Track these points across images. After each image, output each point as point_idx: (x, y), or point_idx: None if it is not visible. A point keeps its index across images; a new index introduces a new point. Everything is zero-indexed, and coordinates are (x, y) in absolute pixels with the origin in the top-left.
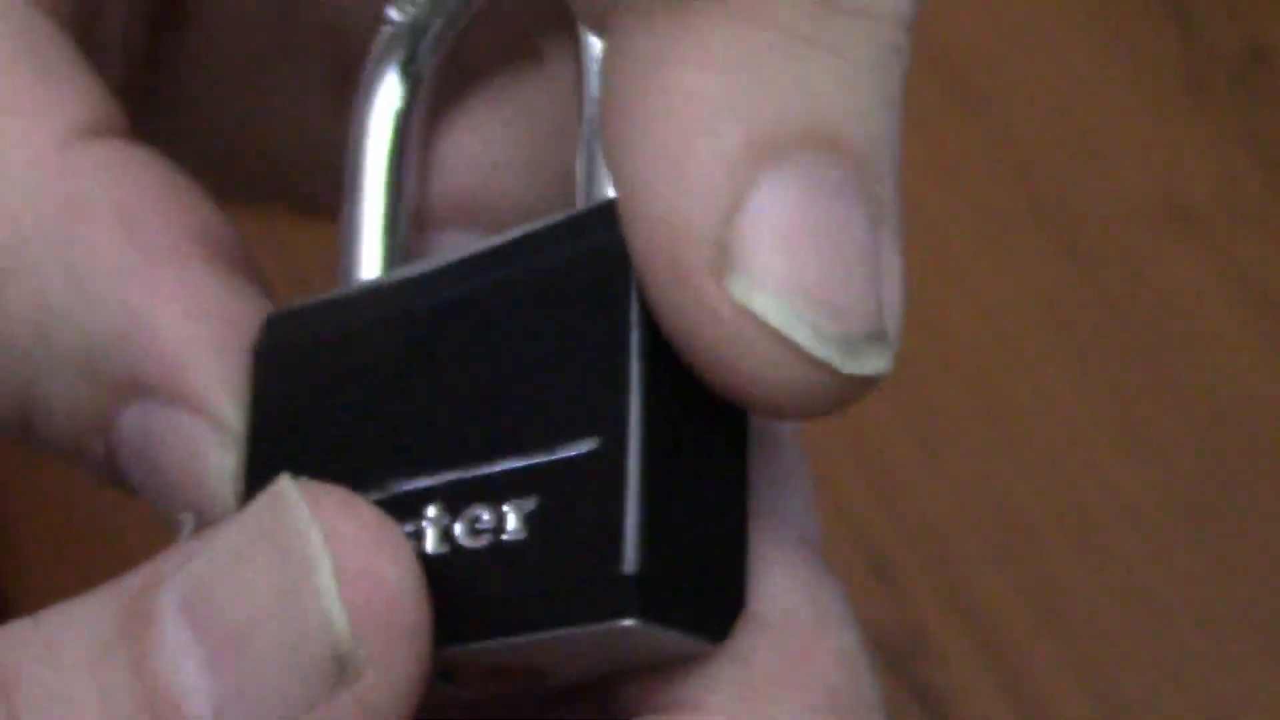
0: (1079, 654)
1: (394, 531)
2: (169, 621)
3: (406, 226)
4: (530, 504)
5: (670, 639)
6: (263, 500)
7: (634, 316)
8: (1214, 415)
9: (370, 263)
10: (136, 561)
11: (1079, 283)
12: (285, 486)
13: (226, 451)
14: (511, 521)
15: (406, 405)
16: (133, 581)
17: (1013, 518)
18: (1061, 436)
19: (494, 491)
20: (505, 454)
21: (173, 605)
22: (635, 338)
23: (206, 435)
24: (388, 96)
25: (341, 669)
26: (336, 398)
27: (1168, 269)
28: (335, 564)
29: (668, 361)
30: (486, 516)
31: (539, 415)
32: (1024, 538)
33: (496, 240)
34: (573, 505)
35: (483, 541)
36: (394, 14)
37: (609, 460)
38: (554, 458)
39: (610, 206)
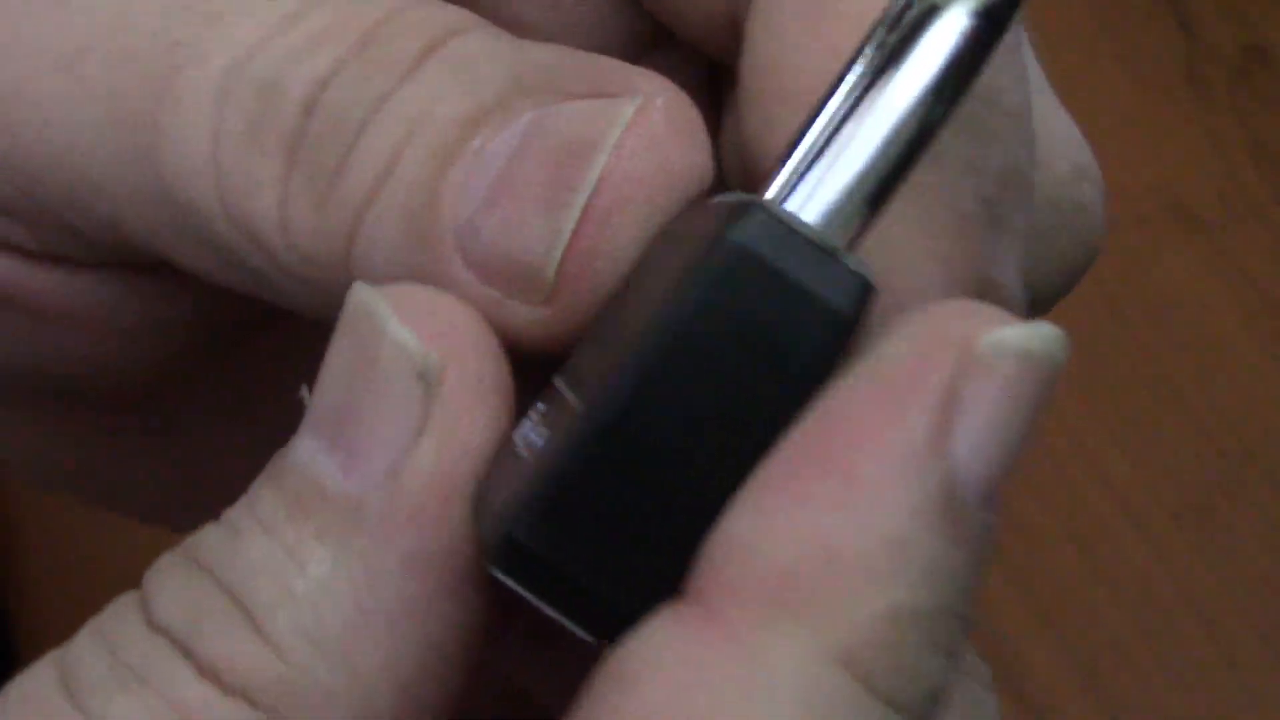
0: (1079, 654)
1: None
2: None
3: None
4: (544, 432)
5: (545, 607)
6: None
7: (680, 313)
8: (1214, 415)
9: None
10: (138, 577)
11: (1079, 282)
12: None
13: None
14: (533, 439)
15: None
16: None
17: (1013, 518)
18: (1061, 435)
19: (543, 411)
20: (571, 383)
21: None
22: (663, 338)
23: None
24: None
25: (426, 380)
26: None
27: (1168, 269)
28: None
29: (692, 371)
30: (530, 427)
31: (597, 356)
32: (1023, 537)
33: None
34: (545, 449)
35: (517, 444)
36: None
37: (571, 426)
38: (569, 400)
39: (745, 205)
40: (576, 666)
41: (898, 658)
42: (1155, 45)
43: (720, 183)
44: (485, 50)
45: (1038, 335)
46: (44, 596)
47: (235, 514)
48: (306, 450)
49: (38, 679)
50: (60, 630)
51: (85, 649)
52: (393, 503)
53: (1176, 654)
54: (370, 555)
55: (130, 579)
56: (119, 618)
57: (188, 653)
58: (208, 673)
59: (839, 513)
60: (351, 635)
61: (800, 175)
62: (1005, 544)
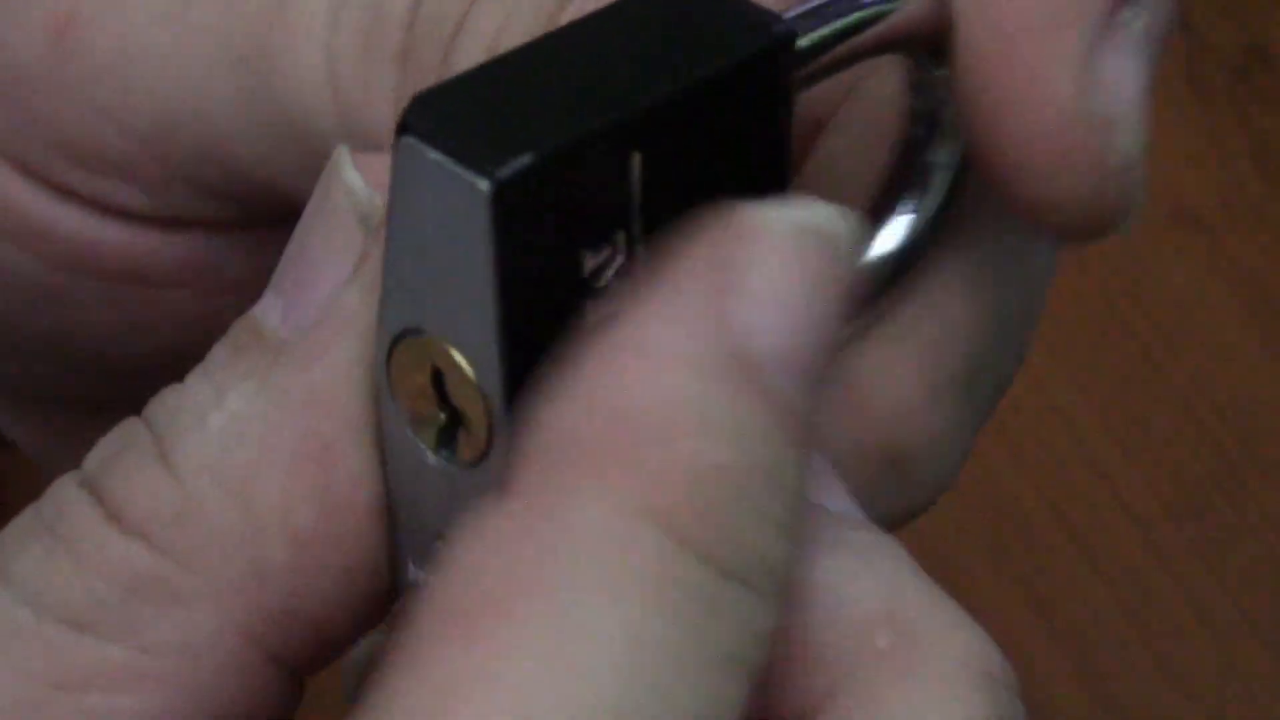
0: (1079, 654)
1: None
2: None
3: None
4: None
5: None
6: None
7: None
8: (1214, 415)
9: None
10: None
11: (1079, 282)
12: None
13: None
14: None
15: None
16: None
17: (1011, 516)
18: (1061, 436)
19: None
20: None
21: None
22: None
23: None
24: None
25: (366, 225)
26: None
27: (1168, 269)
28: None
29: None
30: None
31: None
32: (1023, 536)
33: None
34: None
35: None
36: None
37: None
38: None
39: None
40: None
41: (711, 515)
42: None
43: None
44: None
45: (811, 209)
46: None
47: (203, 362)
48: (261, 303)
49: None
50: None
51: (23, 516)
52: (310, 340)
53: (1176, 654)
54: (282, 390)
55: None
56: (54, 489)
57: (98, 496)
58: (113, 515)
59: (625, 377)
60: (252, 472)
61: None
62: (1005, 544)
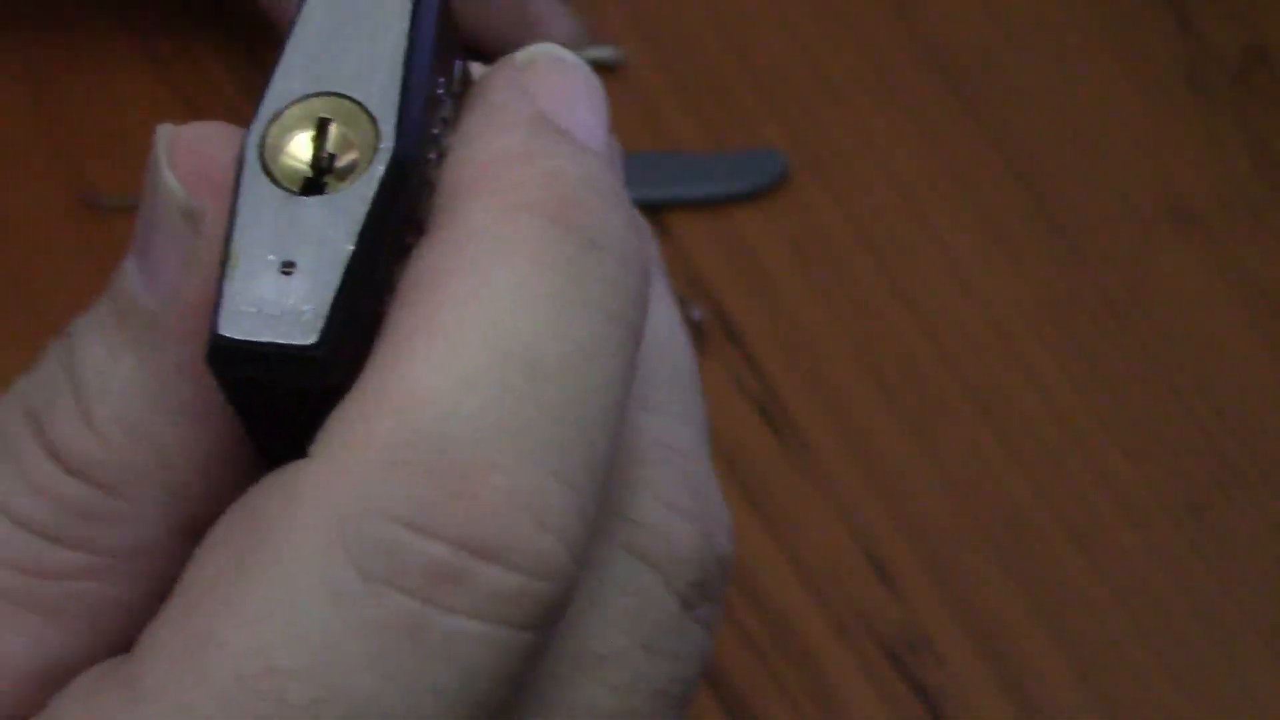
0: (1079, 654)
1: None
2: None
3: None
4: None
5: None
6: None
7: None
8: (1214, 415)
9: None
10: None
11: (1079, 283)
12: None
13: None
14: None
15: None
16: None
17: (1013, 518)
18: (1061, 436)
19: None
20: None
21: None
22: None
23: None
24: None
25: (190, 220)
26: None
27: (1168, 269)
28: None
29: None
30: None
31: None
32: (1024, 537)
33: None
34: None
35: None
36: None
37: None
38: None
39: None
40: None
41: (567, 200)
42: (1155, 45)
43: None
44: None
45: (548, 45)
46: None
47: (94, 307)
48: (129, 262)
49: None
50: None
51: None
52: (171, 319)
53: (1176, 654)
54: (160, 361)
55: None
56: (9, 397)
57: (39, 435)
58: (52, 454)
59: (485, 137)
60: (153, 422)
61: None
62: (1005, 544)
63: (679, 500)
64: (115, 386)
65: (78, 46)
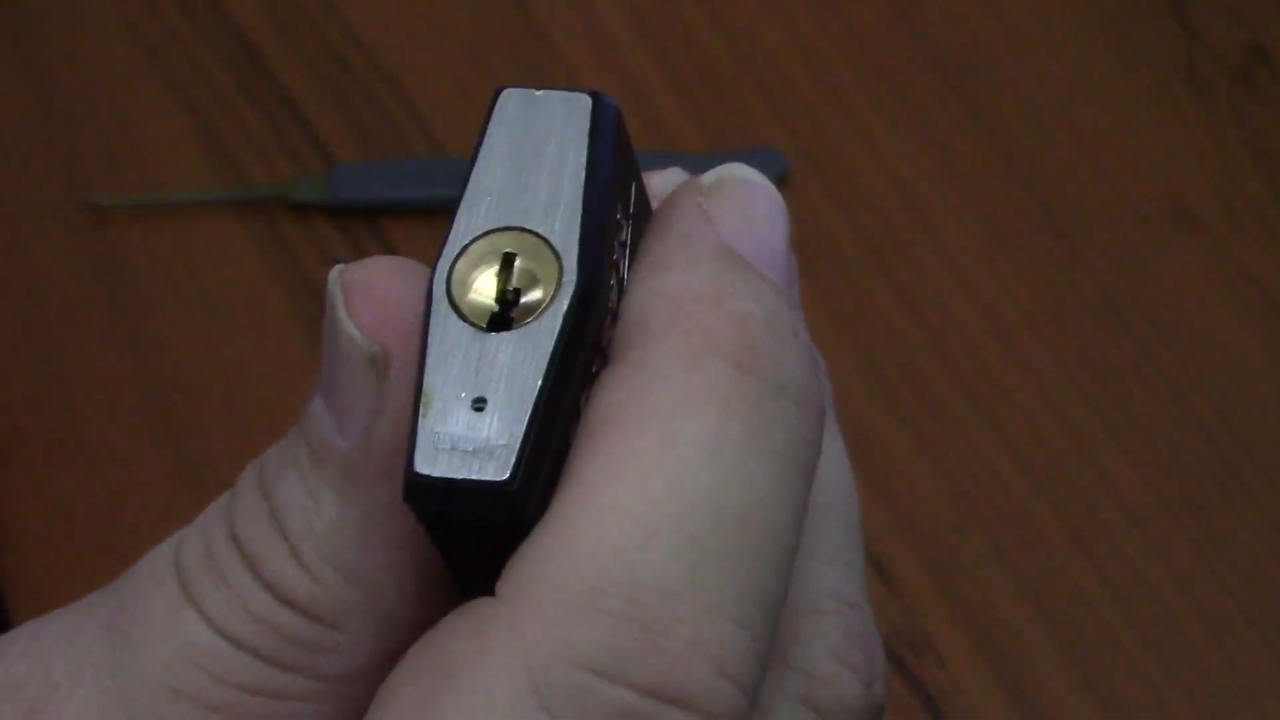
0: (1079, 653)
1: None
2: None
3: None
4: None
5: None
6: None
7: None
8: (1214, 415)
9: None
10: (135, 559)
11: (1079, 283)
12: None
13: None
14: None
15: None
16: None
17: (1012, 517)
18: (1061, 436)
19: None
20: None
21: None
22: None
23: None
24: None
25: (375, 366)
26: None
27: (1168, 269)
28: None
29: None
30: None
31: None
32: (1024, 537)
33: None
34: None
35: None
36: None
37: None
38: None
39: None
40: None
41: (754, 345)
42: (1155, 45)
43: None
44: None
45: (735, 166)
46: (41, 581)
47: (287, 442)
48: (317, 404)
49: (161, 556)
50: (50, 586)
51: (191, 541)
52: (368, 463)
53: (1176, 654)
54: (360, 502)
55: (127, 560)
56: (214, 519)
57: (252, 566)
58: (267, 585)
59: (673, 273)
60: (360, 559)
61: None
62: (1005, 543)
63: (848, 655)
64: (319, 527)
65: (78, 46)
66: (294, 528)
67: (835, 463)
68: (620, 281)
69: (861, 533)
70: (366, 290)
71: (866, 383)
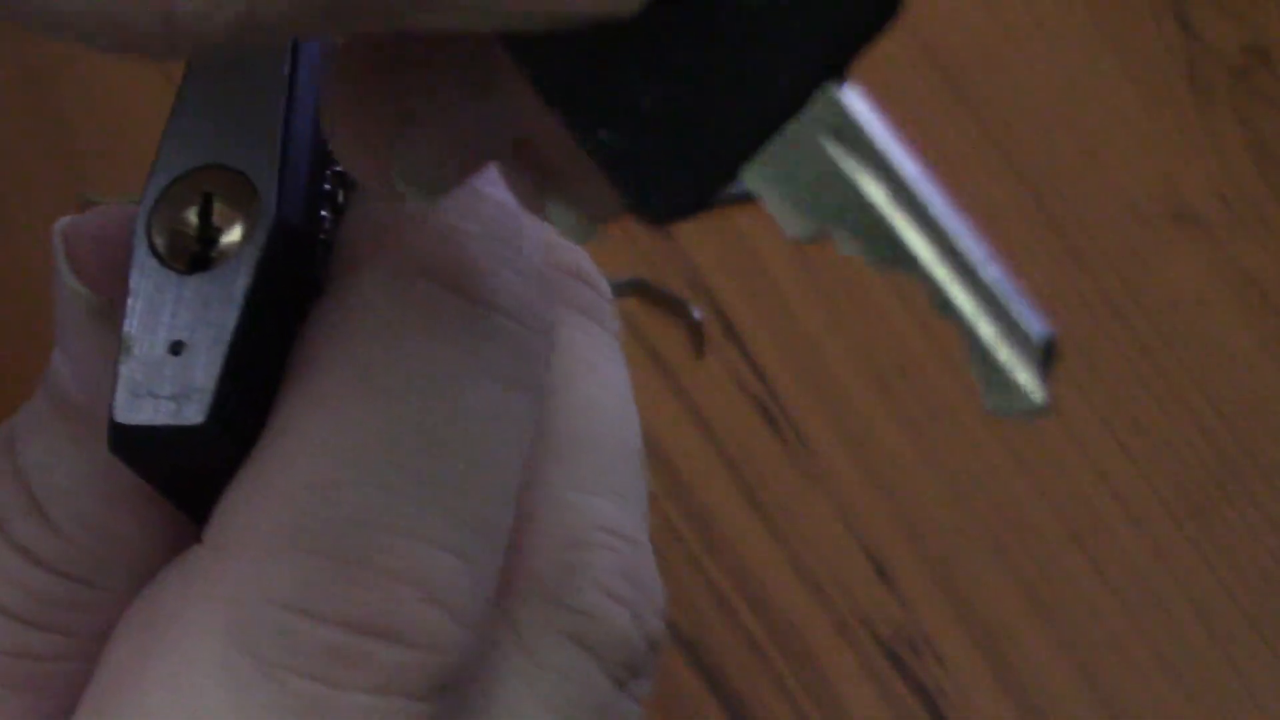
0: (1079, 653)
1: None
2: None
3: None
4: None
5: None
6: None
7: None
8: (1214, 415)
9: None
10: None
11: (1079, 283)
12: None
13: None
14: None
15: None
16: None
17: (1012, 517)
18: (1061, 436)
19: None
20: None
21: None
22: None
23: None
24: None
25: (101, 316)
26: None
27: (1168, 269)
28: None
29: None
30: None
31: None
32: (1024, 537)
33: None
34: None
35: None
36: None
37: None
38: None
39: None
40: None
41: (461, 261)
42: (1155, 45)
43: None
44: None
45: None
46: None
47: (32, 401)
48: (56, 357)
49: None
50: None
51: None
52: (100, 410)
53: (1176, 654)
54: (101, 453)
55: None
56: None
57: (5, 530)
58: (18, 548)
59: (375, 201)
60: (105, 512)
61: None
62: (1005, 544)
63: (617, 588)
64: (63, 482)
65: (78, 46)
66: (39, 485)
67: (610, 390)
68: (338, 212)
69: (644, 466)
70: (88, 238)
71: (866, 383)
